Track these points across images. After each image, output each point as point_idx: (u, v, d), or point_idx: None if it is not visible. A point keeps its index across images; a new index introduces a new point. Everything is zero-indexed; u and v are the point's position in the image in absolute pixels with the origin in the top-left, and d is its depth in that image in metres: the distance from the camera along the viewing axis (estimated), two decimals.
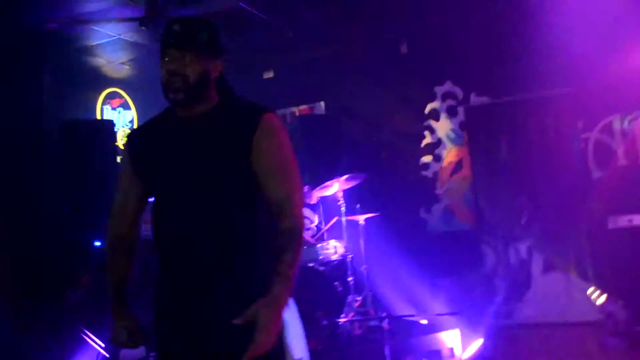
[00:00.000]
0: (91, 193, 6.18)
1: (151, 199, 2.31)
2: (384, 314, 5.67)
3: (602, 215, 5.74)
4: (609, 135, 6.15)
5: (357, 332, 5.50)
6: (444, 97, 7.08)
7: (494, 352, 5.40)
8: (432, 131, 7.16)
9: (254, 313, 1.98)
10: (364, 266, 5.91)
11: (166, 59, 2.16)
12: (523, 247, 6.39)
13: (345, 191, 6.07)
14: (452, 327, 5.63)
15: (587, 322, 5.66)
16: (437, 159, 7.13)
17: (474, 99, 6.90)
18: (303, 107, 7.94)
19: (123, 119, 7.83)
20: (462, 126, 6.99)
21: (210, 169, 2.15)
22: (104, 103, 7.60)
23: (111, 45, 6.76)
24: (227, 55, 2.28)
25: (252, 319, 1.98)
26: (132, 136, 2.40)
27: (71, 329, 5.11)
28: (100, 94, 7.57)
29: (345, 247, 5.97)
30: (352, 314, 5.64)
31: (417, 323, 5.79)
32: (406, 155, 7.19)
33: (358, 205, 6.09)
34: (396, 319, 5.74)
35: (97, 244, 6.04)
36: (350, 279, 5.85)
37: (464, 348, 5.58)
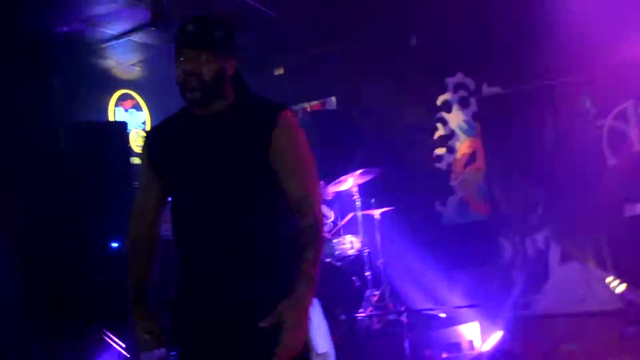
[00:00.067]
0: (105, 194, 6.21)
1: (170, 199, 2.31)
2: (402, 308, 5.67)
3: (618, 203, 5.69)
4: (624, 121, 6.08)
5: (376, 326, 5.49)
6: (456, 89, 7.03)
7: (514, 343, 5.37)
8: (445, 123, 7.11)
9: (279, 315, 1.96)
10: (381, 260, 5.91)
11: (181, 59, 2.15)
12: (540, 238, 6.33)
13: (359, 186, 6.07)
14: (471, 320, 5.62)
15: (606, 312, 5.59)
16: (451, 150, 7.08)
17: (485, 89, 6.84)
18: (314, 102, 7.90)
19: (136, 121, 7.84)
20: (475, 117, 6.93)
21: (229, 167, 2.14)
22: (116, 105, 7.63)
23: (121, 46, 6.78)
24: (237, 53, 2.27)
25: (278, 321, 1.96)
26: (150, 135, 2.39)
27: (92, 330, 5.14)
28: (111, 95, 7.59)
29: (361, 241, 5.97)
30: (370, 308, 5.63)
31: (435, 316, 5.78)
32: (419, 148, 7.15)
33: (373, 200, 6.09)
34: (415, 313, 5.74)
35: (114, 245, 6.07)
36: (367, 273, 5.85)
37: (483, 340, 5.57)
